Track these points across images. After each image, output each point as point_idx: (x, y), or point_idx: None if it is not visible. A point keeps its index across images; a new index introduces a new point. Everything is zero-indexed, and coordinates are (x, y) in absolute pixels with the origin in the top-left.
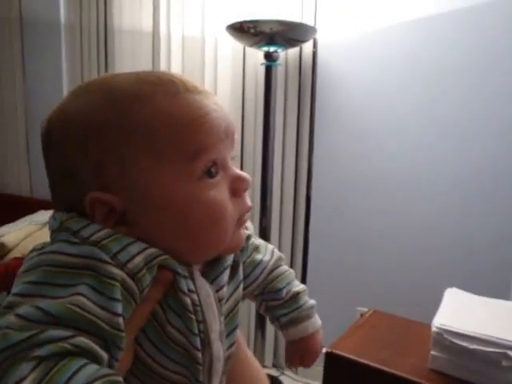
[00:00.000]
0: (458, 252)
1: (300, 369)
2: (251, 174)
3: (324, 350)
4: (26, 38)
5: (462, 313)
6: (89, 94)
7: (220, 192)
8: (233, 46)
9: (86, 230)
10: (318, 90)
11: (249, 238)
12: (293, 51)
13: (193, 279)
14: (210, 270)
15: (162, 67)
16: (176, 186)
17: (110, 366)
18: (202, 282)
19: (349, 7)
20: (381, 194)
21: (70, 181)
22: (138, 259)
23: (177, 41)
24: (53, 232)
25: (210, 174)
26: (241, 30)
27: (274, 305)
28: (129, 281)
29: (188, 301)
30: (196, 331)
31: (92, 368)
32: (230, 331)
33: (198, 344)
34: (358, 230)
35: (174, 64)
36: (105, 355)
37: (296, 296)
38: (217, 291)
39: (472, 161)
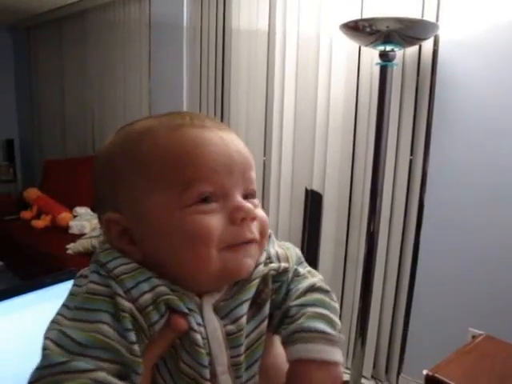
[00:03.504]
0: None
1: None
2: (361, 177)
3: (425, 372)
4: (152, 39)
5: None
6: (117, 134)
7: (211, 217)
8: (347, 45)
9: (112, 263)
10: (437, 91)
11: (286, 271)
12: (411, 50)
13: (201, 312)
14: (223, 305)
15: (277, 66)
16: (165, 213)
17: None
18: (210, 315)
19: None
20: (499, 208)
21: (98, 200)
22: (148, 296)
23: (292, 40)
24: (90, 261)
25: (205, 201)
26: (355, 28)
27: (284, 323)
28: (137, 314)
29: (198, 336)
30: (206, 364)
31: None
32: (250, 364)
33: (208, 375)
34: (473, 243)
35: (288, 63)
36: None
37: (304, 314)
38: (225, 325)
39: None
